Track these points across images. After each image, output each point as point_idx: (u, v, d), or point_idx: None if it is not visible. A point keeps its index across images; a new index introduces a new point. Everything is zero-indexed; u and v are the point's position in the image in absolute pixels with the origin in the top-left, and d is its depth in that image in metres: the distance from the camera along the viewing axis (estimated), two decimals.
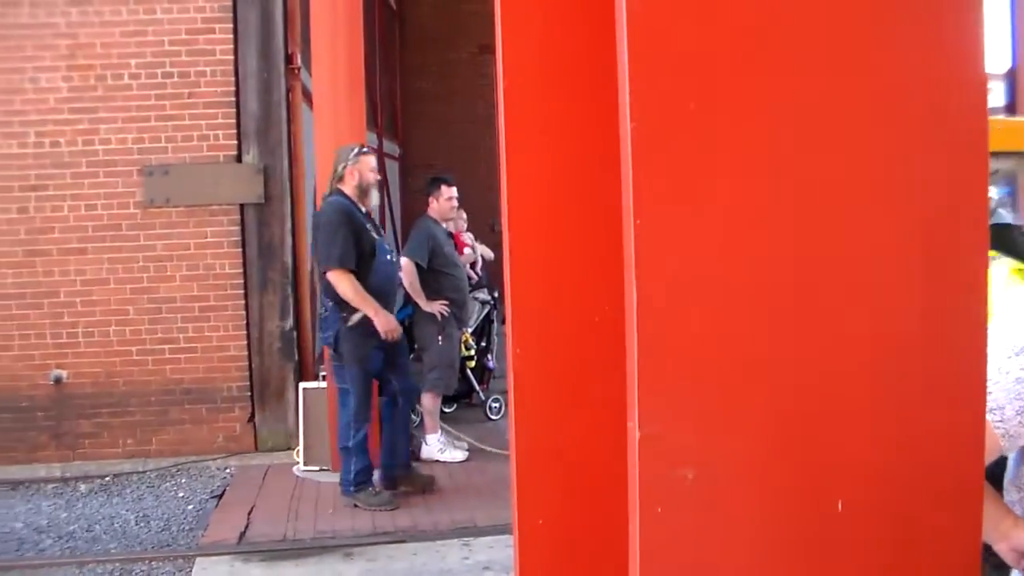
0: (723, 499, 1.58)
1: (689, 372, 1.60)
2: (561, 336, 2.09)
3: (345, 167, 7.19)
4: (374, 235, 7.24)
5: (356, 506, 7.24)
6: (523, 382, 2.11)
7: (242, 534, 6.95)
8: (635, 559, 1.63)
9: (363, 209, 7.25)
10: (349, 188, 7.19)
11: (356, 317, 7.00)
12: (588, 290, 2.07)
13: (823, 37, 1.61)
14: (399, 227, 16.00)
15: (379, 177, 7.46)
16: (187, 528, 7.34)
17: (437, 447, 8.49)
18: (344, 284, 6.95)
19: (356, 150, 7.32)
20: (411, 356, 9.96)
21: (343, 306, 7.04)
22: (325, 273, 7.10)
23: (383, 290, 7.21)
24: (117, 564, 6.59)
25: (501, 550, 6.30)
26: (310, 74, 8.68)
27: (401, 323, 9.67)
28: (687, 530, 1.59)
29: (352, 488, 7.25)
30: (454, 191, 8.80)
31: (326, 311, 7.27)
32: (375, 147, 12.98)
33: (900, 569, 1.57)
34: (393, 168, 16.58)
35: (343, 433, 7.27)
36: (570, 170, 2.09)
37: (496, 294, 10.51)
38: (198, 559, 6.54)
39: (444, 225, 8.83)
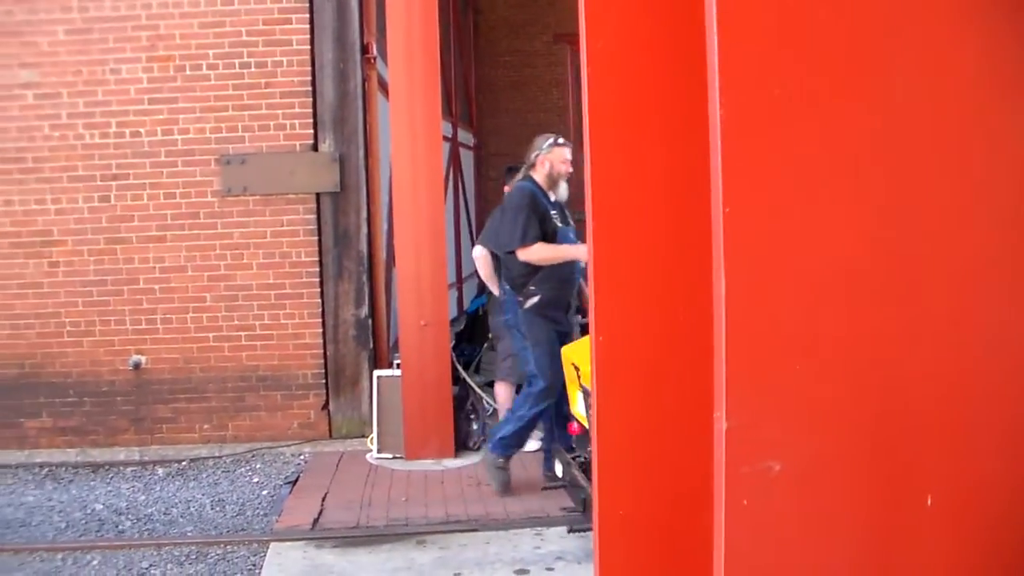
0: (810, 492, 1.55)
1: (778, 363, 1.57)
2: (644, 326, 2.07)
3: (538, 155, 7.23)
4: (558, 222, 7.18)
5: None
6: (605, 372, 2.09)
7: (316, 520, 7.00)
8: (719, 552, 1.60)
9: (551, 197, 7.27)
10: (540, 176, 7.23)
11: (532, 301, 7.10)
12: (672, 280, 2.04)
13: (915, 27, 1.57)
14: (473, 216, 16.02)
15: (570, 169, 7.32)
16: (261, 513, 7.42)
17: None
18: (537, 253, 7.01)
19: (551, 140, 7.31)
20: (486, 345, 10.01)
21: (519, 289, 7.16)
22: (510, 255, 7.18)
23: (565, 277, 7.25)
24: (193, 547, 6.68)
25: (573, 540, 6.28)
26: (386, 64, 8.71)
27: (476, 312, 9.72)
28: (773, 523, 1.56)
29: (495, 449, 7.35)
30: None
31: (504, 295, 7.46)
32: (448, 136, 13.02)
33: (988, 566, 1.52)
34: (468, 157, 16.61)
35: (520, 401, 7.36)
36: (654, 160, 2.06)
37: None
38: (272, 544, 6.60)
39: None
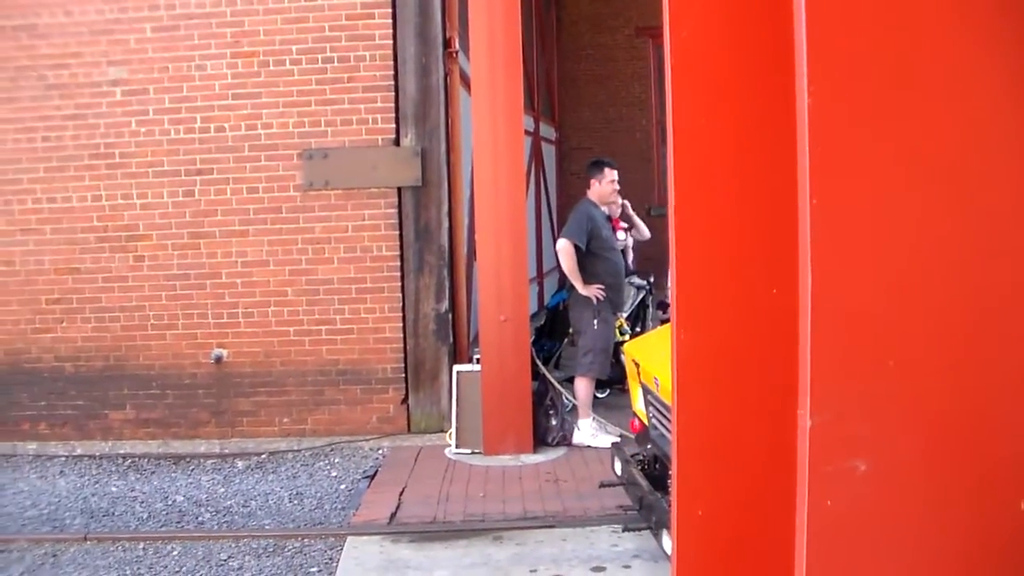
0: (897, 494, 1.48)
1: (866, 359, 1.50)
2: (726, 322, 2.00)
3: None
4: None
5: None
6: (686, 368, 2.02)
7: (393, 514, 7.00)
8: (801, 553, 1.54)
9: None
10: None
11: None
12: (754, 276, 1.96)
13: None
14: (555, 210, 15.97)
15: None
16: (339, 507, 7.43)
17: (589, 432, 8.43)
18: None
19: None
20: (566, 340, 9.95)
21: None
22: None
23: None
24: (271, 540, 6.71)
25: (650, 539, 6.17)
26: (468, 58, 8.68)
27: (556, 307, 9.64)
28: (857, 525, 1.49)
29: None
30: (616, 175, 8.69)
31: None
32: (530, 130, 12.97)
33: None
34: (550, 151, 16.55)
35: None
36: (736, 154, 1.99)
37: (651, 279, 10.38)
38: (349, 538, 6.60)
39: (603, 209, 8.71)
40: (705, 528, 1.98)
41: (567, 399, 8.88)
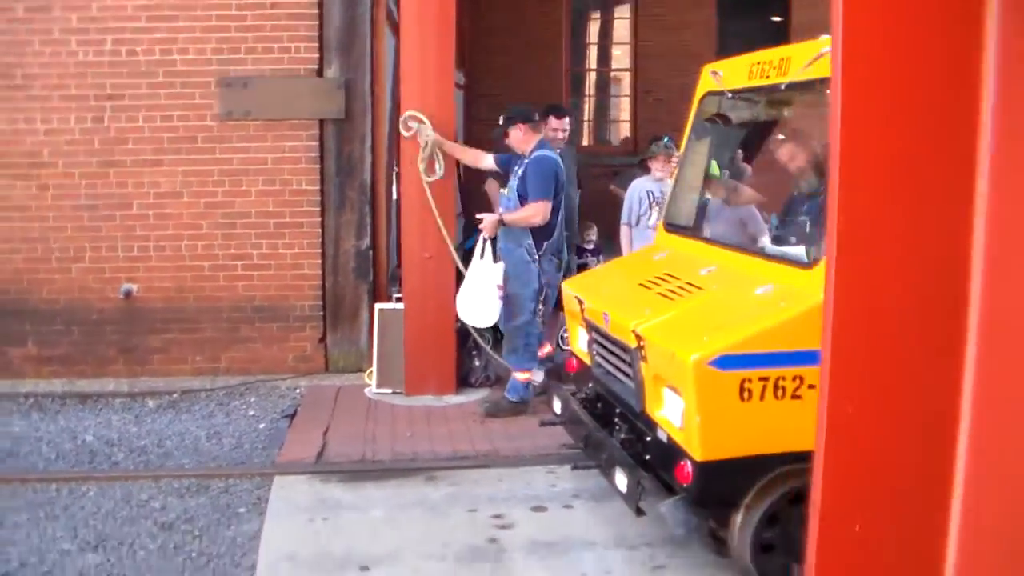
0: None
1: None
2: (884, 339, 1.86)
3: None
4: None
5: None
6: (840, 380, 1.88)
7: (319, 454, 6.81)
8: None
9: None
10: None
11: None
12: (915, 290, 1.83)
13: None
14: None
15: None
16: (260, 447, 7.21)
17: None
18: None
19: None
20: None
21: None
22: None
23: None
24: (194, 480, 6.46)
25: (588, 479, 6.11)
26: None
27: (471, 249, 9.41)
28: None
29: None
30: (565, 123, 8.53)
31: None
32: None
33: None
34: (458, 97, 16.26)
35: None
36: (904, 168, 1.86)
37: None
38: (276, 477, 6.40)
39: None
40: (851, 544, 1.87)
41: (489, 338, 8.76)
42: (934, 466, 1.66)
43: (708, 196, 6.33)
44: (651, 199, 8.21)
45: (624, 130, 18.15)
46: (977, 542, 1.45)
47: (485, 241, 7.57)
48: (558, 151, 8.25)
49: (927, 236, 1.84)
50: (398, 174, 8.40)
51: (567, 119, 8.64)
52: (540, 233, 7.49)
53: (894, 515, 1.86)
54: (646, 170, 8.63)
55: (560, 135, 8.54)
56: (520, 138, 7.62)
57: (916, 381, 1.83)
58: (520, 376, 7.59)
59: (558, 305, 8.71)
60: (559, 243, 7.69)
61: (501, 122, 7.81)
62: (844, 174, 1.84)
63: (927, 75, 1.82)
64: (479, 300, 7.62)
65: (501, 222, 7.49)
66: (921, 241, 1.85)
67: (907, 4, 1.83)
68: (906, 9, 1.82)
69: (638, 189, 8.38)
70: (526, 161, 7.50)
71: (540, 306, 7.61)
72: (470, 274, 7.69)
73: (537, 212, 7.39)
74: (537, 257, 7.49)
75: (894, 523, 1.86)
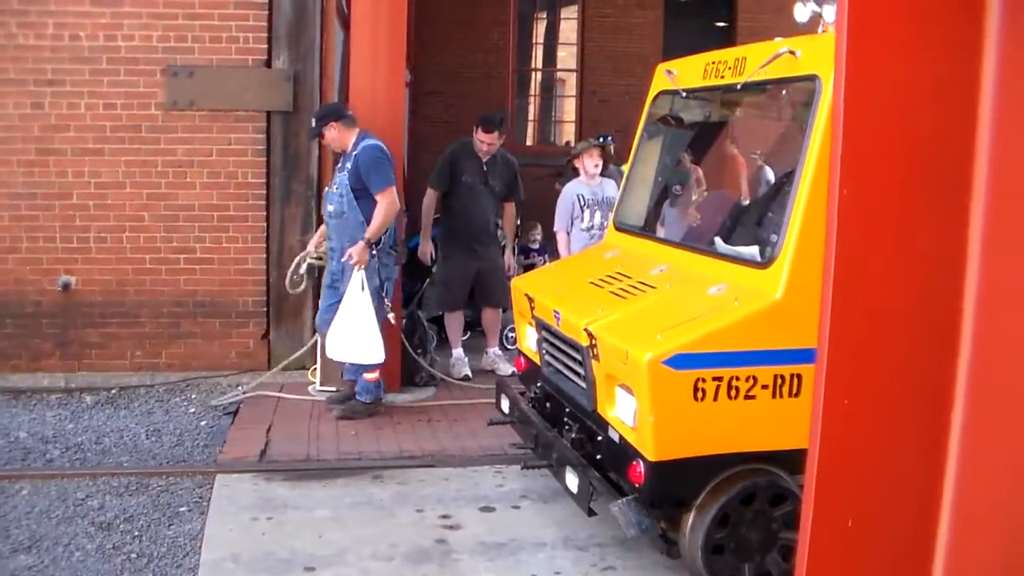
0: None
1: None
2: (880, 334, 1.83)
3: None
4: None
5: None
6: (836, 373, 1.84)
7: (263, 452, 6.69)
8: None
9: None
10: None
11: None
12: (912, 286, 1.80)
13: None
14: (407, 153, 15.61)
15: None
16: (202, 444, 7.07)
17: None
18: None
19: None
20: (428, 280, 9.77)
21: None
22: None
23: None
24: (133, 478, 6.32)
25: (537, 479, 6.06)
26: None
27: (415, 248, 9.34)
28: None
29: None
30: (492, 137, 8.49)
31: None
32: None
33: None
34: (404, 94, 16.15)
35: None
36: (902, 165, 1.82)
37: (519, 222, 10.24)
38: (219, 475, 6.28)
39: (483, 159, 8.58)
40: (843, 542, 1.83)
41: (433, 336, 8.70)
42: (927, 461, 1.63)
43: (677, 189, 6.29)
44: (582, 202, 8.12)
45: (569, 131, 18.15)
46: (968, 538, 1.41)
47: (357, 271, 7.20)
48: (485, 159, 8.32)
49: (924, 232, 1.81)
50: None
51: (496, 134, 8.50)
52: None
53: (887, 511, 1.84)
54: (575, 172, 8.47)
55: (485, 147, 8.51)
56: (337, 136, 7.40)
57: (911, 376, 1.80)
58: (369, 376, 7.46)
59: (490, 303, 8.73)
60: (394, 236, 7.54)
61: (313, 126, 7.58)
62: (845, 170, 1.80)
63: (927, 72, 1.79)
64: (360, 336, 7.20)
65: (369, 244, 7.18)
66: (918, 237, 1.82)
67: (909, 1, 1.80)
68: (907, 6, 1.79)
69: (570, 194, 8.21)
70: (354, 154, 7.29)
71: (387, 301, 7.40)
72: (345, 310, 7.21)
73: (389, 205, 7.21)
74: (375, 252, 7.27)
75: (887, 519, 1.83)
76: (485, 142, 8.50)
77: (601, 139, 8.80)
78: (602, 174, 8.26)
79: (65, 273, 8.48)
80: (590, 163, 8.13)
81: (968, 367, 1.44)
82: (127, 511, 5.79)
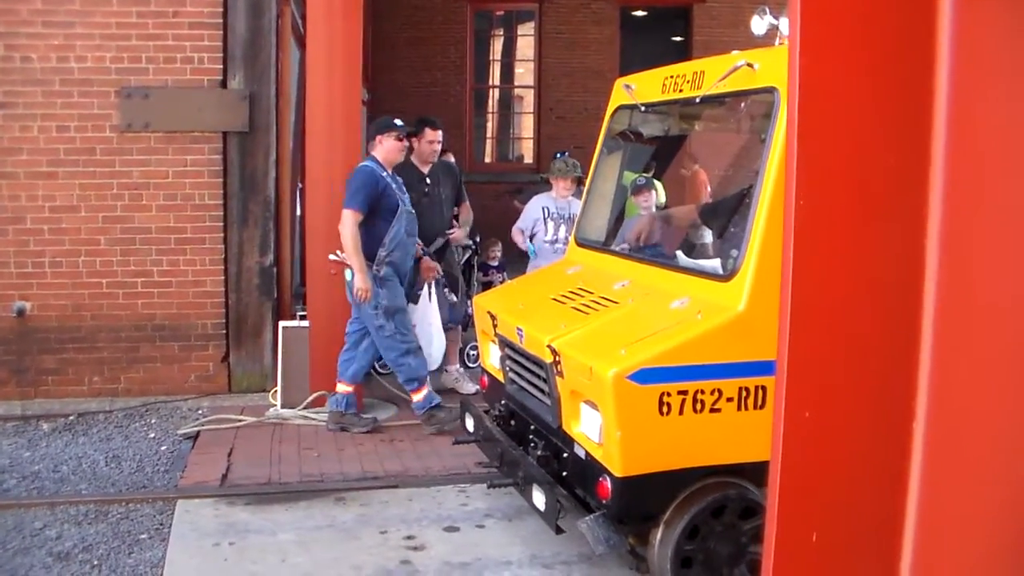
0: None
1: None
2: (840, 343, 1.82)
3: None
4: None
5: None
6: (797, 384, 1.82)
7: (224, 476, 6.60)
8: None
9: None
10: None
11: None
12: (871, 294, 1.79)
13: None
14: None
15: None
16: (162, 470, 6.96)
17: None
18: None
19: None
20: None
21: None
22: None
23: None
24: (92, 506, 6.20)
25: (501, 498, 6.01)
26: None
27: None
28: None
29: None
30: (439, 135, 8.36)
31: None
32: None
33: None
34: (362, 114, 16.11)
35: None
36: (858, 170, 1.81)
37: (477, 239, 10.20)
38: (179, 501, 6.17)
39: (424, 169, 8.38)
40: (809, 553, 1.81)
41: None
42: (890, 473, 1.62)
43: (642, 205, 6.29)
44: (546, 214, 8.21)
45: (527, 147, 18.19)
46: (934, 549, 1.40)
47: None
48: (428, 164, 8.26)
49: (881, 243, 1.81)
50: (302, 190, 8.23)
51: (440, 132, 8.39)
52: (369, 243, 7.25)
53: (851, 524, 1.82)
54: (550, 187, 8.63)
55: (436, 147, 8.33)
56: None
57: (872, 387, 1.79)
58: (417, 397, 7.46)
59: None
60: (394, 246, 7.45)
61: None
62: (801, 177, 1.79)
63: (881, 81, 1.78)
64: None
65: (363, 271, 7.22)
66: (875, 248, 1.81)
67: (862, 11, 1.80)
68: (861, 16, 1.78)
69: (537, 203, 8.43)
70: None
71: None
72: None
73: (341, 226, 7.19)
74: (375, 270, 7.27)
75: (851, 532, 1.82)
76: (436, 140, 8.27)
77: (558, 155, 8.93)
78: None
79: (20, 299, 8.36)
80: (562, 186, 8.31)
81: (928, 377, 1.43)
82: (86, 540, 5.68)
